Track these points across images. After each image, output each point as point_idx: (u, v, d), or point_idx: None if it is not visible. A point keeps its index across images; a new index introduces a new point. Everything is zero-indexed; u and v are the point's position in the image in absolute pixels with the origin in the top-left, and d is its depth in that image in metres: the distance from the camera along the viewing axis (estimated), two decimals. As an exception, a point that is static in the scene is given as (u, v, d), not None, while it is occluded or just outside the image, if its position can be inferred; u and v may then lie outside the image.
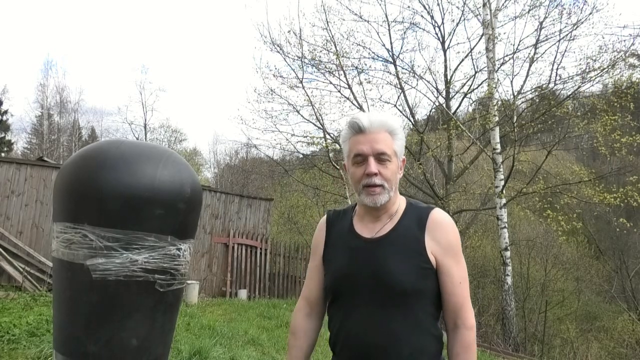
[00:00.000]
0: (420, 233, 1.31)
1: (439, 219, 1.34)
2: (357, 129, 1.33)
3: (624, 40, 9.81)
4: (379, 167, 1.30)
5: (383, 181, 1.30)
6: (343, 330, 1.35)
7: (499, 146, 10.49)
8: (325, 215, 1.53)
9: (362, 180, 1.31)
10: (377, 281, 1.29)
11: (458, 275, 1.32)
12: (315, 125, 12.04)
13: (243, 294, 9.22)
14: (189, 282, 7.68)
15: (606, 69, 9.56)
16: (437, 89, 11.57)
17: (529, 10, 10.33)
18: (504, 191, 10.21)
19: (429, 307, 1.31)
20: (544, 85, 10.69)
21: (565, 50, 9.75)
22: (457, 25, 11.38)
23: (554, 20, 10.00)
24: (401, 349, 1.27)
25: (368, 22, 11.52)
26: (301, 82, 11.49)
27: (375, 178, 1.29)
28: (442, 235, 1.32)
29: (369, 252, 1.33)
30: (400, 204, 1.39)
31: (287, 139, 12.40)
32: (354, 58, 11.72)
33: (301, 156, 14.16)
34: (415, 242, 1.31)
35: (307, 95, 11.54)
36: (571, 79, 10.09)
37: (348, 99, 11.63)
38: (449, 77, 11.42)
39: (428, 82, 11.67)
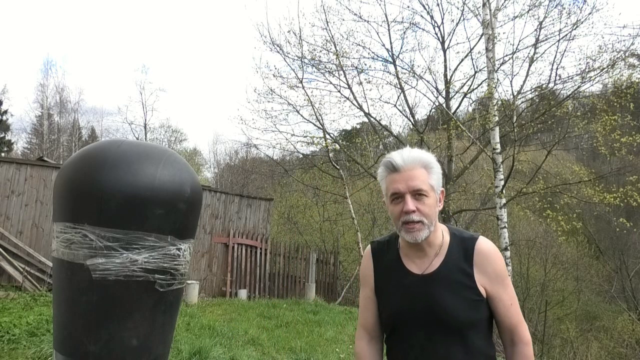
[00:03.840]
0: (469, 267, 1.37)
1: (485, 250, 1.39)
2: (391, 168, 1.36)
3: (624, 40, 9.81)
4: (417, 204, 1.32)
5: (422, 217, 1.33)
6: None
7: (498, 146, 10.48)
8: (370, 247, 1.57)
9: (401, 217, 1.34)
10: (433, 316, 1.35)
11: (508, 298, 1.39)
12: (315, 125, 12.03)
13: (243, 294, 9.22)
14: (189, 282, 7.68)
15: (606, 69, 9.55)
16: (437, 89, 11.57)
17: (529, 10, 10.33)
18: (504, 191, 10.21)
19: (482, 332, 1.40)
20: (544, 85, 10.69)
21: (565, 50, 9.74)
22: (456, 25, 11.38)
23: (553, 20, 9.99)
24: None
25: (368, 22, 11.51)
26: (301, 82, 11.50)
27: (413, 215, 1.32)
28: (490, 267, 1.38)
29: (422, 288, 1.38)
30: (444, 235, 1.43)
31: (287, 139, 12.41)
32: (354, 58, 11.72)
33: (301, 156, 14.16)
34: (465, 276, 1.36)
35: (307, 95, 11.54)
36: (571, 78, 10.09)
37: (348, 98, 11.63)
38: (448, 77, 11.41)
39: (428, 82, 11.66)
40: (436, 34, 11.64)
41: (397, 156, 1.36)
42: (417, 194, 1.33)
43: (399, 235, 1.39)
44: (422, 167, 1.35)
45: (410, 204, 1.32)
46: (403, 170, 1.34)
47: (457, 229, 1.48)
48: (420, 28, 11.94)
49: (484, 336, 1.39)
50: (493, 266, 1.37)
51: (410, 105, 12.05)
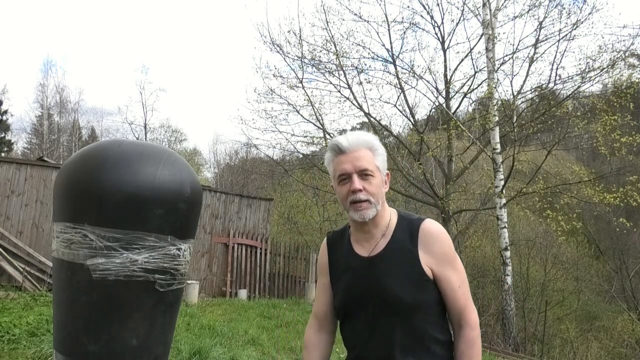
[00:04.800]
0: (414, 247, 1.36)
1: (430, 230, 1.38)
2: (338, 150, 1.38)
3: (624, 40, 9.83)
4: (363, 183, 1.35)
5: (368, 196, 1.35)
6: (356, 348, 1.43)
7: (498, 146, 10.49)
8: (326, 237, 1.60)
9: (349, 197, 1.36)
10: (379, 299, 1.35)
11: (456, 279, 1.36)
12: (315, 125, 12.05)
13: (243, 294, 9.22)
14: (189, 282, 7.68)
15: (606, 69, 9.56)
16: (437, 89, 11.57)
17: (529, 10, 10.33)
18: (504, 191, 10.21)
19: (432, 315, 1.36)
20: (544, 85, 10.70)
21: (565, 50, 9.76)
22: (456, 25, 11.38)
23: (553, 20, 10.01)
24: (408, 359, 1.33)
25: (368, 22, 11.52)
26: (301, 82, 11.51)
27: (360, 194, 1.34)
28: (436, 246, 1.36)
29: (368, 270, 1.39)
30: (391, 217, 1.43)
31: (287, 139, 12.43)
32: (354, 58, 11.73)
33: (301, 156, 14.17)
34: (410, 256, 1.35)
35: (307, 95, 11.56)
36: (571, 78, 10.10)
37: (348, 99, 11.64)
38: (448, 77, 11.42)
39: (428, 82, 11.67)
40: (436, 34, 11.65)
41: (343, 139, 1.38)
42: (364, 174, 1.35)
43: (348, 216, 1.41)
44: (367, 148, 1.37)
45: (357, 183, 1.34)
46: (349, 152, 1.36)
47: (407, 212, 1.48)
48: (420, 28, 11.96)
49: (434, 320, 1.36)
50: (439, 246, 1.36)
51: (410, 105, 12.06)
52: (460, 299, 1.36)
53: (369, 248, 1.41)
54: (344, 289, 1.44)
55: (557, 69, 9.85)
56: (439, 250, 1.35)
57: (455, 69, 11.58)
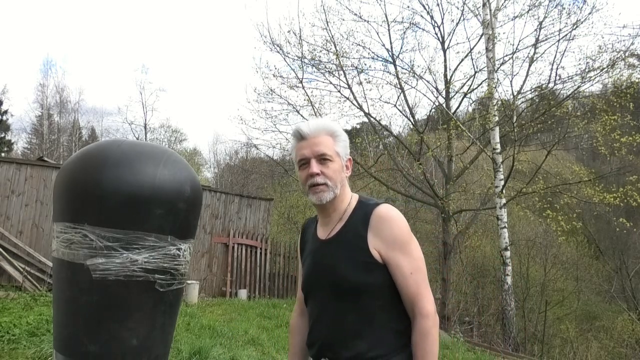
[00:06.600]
0: (364, 230, 1.37)
1: (382, 214, 1.37)
2: (299, 137, 1.44)
3: (624, 40, 9.83)
4: (321, 167, 1.39)
5: (326, 179, 1.39)
6: (312, 328, 1.46)
7: (498, 146, 10.49)
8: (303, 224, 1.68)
9: (307, 181, 1.41)
10: (329, 280, 1.39)
11: (408, 266, 1.34)
12: (315, 125, 12.01)
13: (243, 294, 9.22)
14: (189, 282, 7.68)
15: (606, 69, 9.56)
16: (437, 89, 11.57)
17: (529, 10, 10.33)
18: (503, 191, 10.21)
19: (383, 300, 1.35)
20: (544, 85, 10.70)
21: (565, 50, 9.76)
22: (456, 25, 11.37)
23: (553, 20, 10.00)
24: (356, 343, 1.33)
25: (368, 22, 11.51)
26: (301, 82, 11.50)
27: (317, 178, 1.39)
28: (385, 230, 1.35)
29: (323, 252, 1.44)
30: (351, 202, 1.46)
31: (287, 139, 12.41)
32: (354, 58, 11.72)
33: (301, 156, 14.14)
34: (359, 239, 1.36)
35: (307, 95, 11.55)
36: (571, 78, 10.10)
37: (348, 99, 11.63)
38: (448, 77, 11.41)
39: (428, 82, 11.66)
40: (436, 34, 11.65)
41: (304, 125, 1.44)
42: (322, 159, 1.39)
43: (308, 199, 1.45)
44: (327, 134, 1.42)
45: (315, 167, 1.38)
46: (309, 137, 1.41)
47: (368, 198, 1.49)
48: (420, 28, 11.95)
49: (385, 305, 1.35)
50: (390, 230, 1.34)
51: (410, 105, 12.05)
52: (411, 286, 1.33)
53: (327, 231, 1.46)
54: (305, 272, 1.49)
55: (557, 69, 9.86)
56: (388, 234, 1.34)
57: (455, 69, 11.58)
